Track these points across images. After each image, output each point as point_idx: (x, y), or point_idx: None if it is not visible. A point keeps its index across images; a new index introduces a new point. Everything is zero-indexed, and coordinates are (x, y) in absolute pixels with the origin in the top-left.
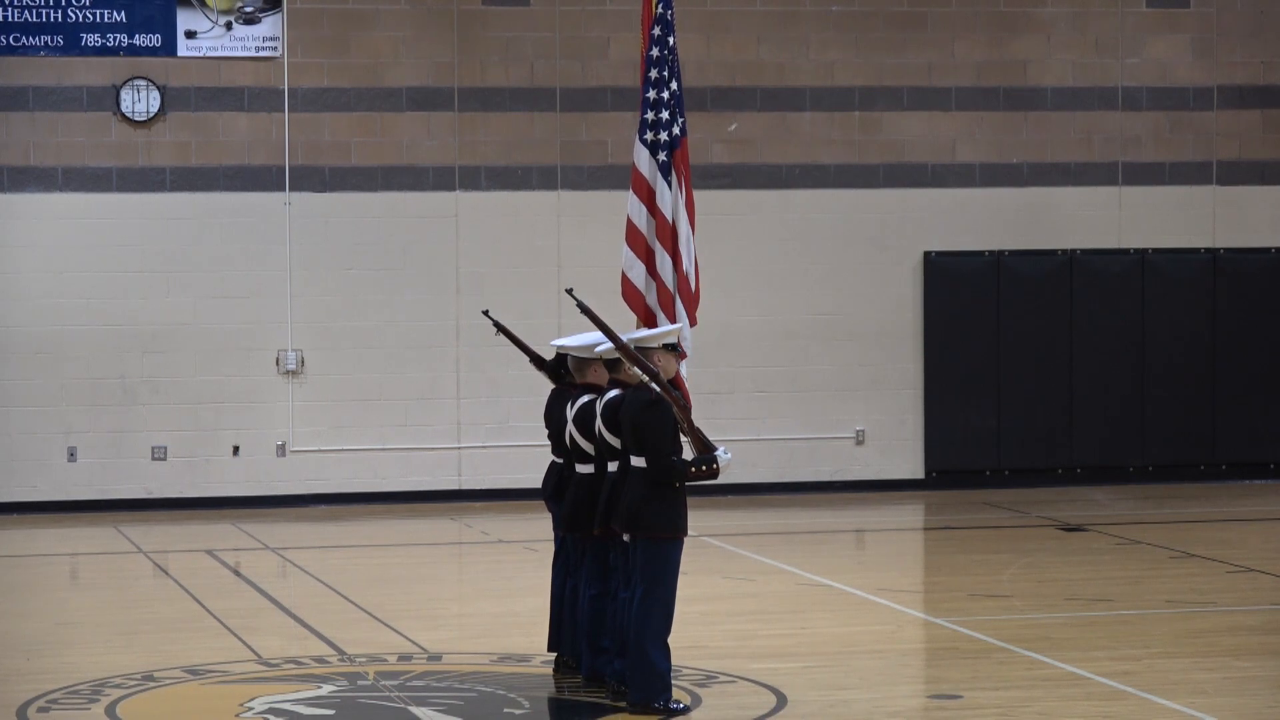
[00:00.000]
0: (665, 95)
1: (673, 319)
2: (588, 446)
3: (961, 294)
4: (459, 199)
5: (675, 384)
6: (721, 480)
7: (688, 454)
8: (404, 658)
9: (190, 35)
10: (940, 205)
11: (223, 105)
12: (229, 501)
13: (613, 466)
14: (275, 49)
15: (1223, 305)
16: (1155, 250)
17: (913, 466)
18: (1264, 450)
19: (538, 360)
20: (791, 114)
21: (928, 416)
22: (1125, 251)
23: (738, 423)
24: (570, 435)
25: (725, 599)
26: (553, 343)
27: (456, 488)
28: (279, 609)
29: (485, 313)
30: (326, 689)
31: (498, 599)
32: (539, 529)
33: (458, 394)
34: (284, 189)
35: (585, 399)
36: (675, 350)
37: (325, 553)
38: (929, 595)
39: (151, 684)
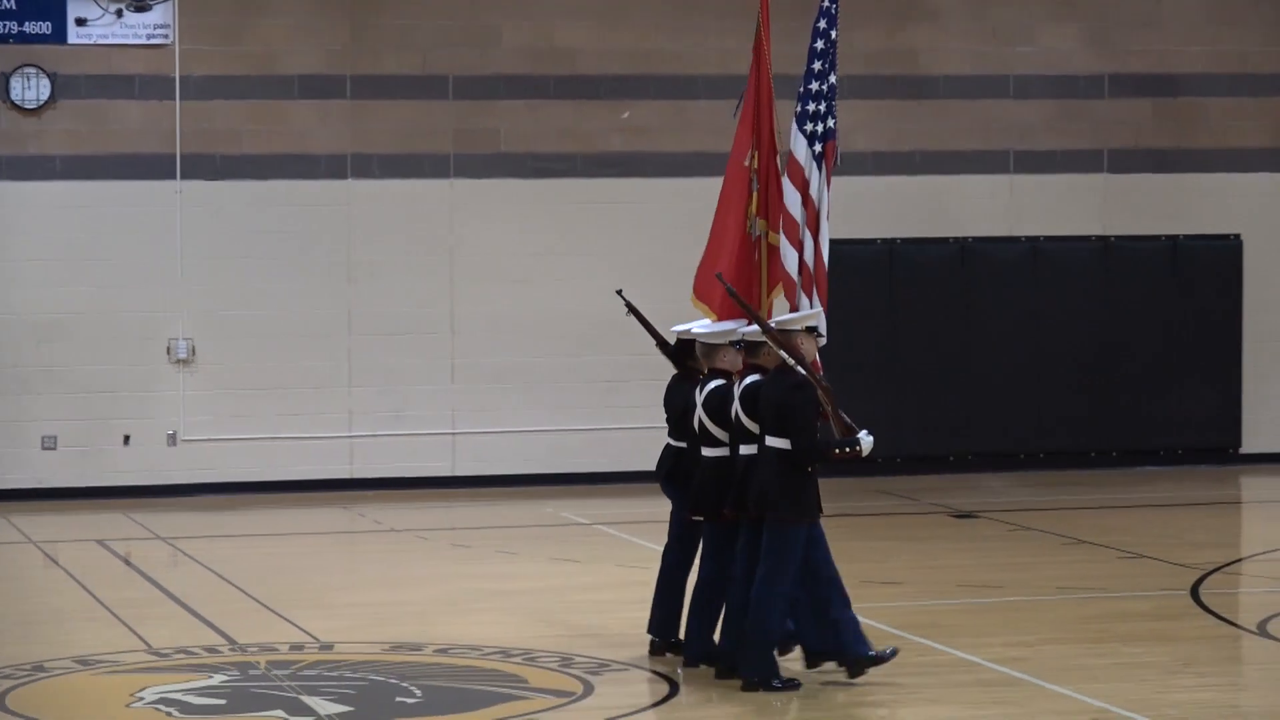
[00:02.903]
0: (825, 87)
1: (812, 303)
2: (718, 432)
3: (855, 282)
4: (352, 187)
5: (815, 367)
6: (613, 468)
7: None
8: (296, 647)
9: (81, 23)
10: (834, 194)
11: (114, 93)
12: (120, 491)
13: (746, 450)
14: (167, 36)
15: (1114, 293)
16: (1047, 238)
17: None
18: (1154, 437)
19: (663, 344)
20: (688, 102)
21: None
22: (1017, 239)
23: (632, 411)
24: (700, 420)
25: (619, 587)
26: (674, 328)
27: (348, 476)
28: (170, 599)
29: (618, 292)
30: (218, 679)
31: (390, 588)
32: (431, 518)
33: (349, 382)
34: (175, 177)
35: (715, 384)
36: (815, 333)
37: (217, 542)
38: None
39: (42, 674)
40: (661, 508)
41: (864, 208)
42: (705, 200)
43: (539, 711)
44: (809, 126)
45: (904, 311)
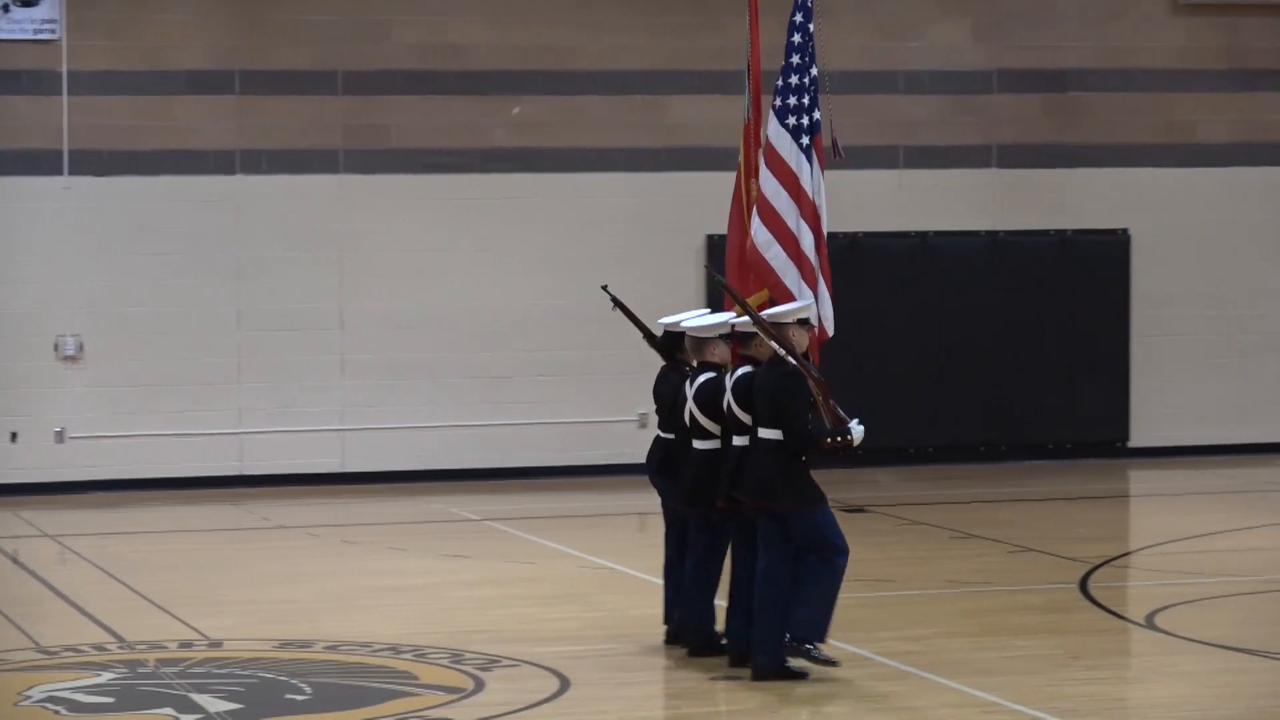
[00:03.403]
0: (806, 80)
1: (816, 295)
2: (710, 424)
3: None
4: (241, 183)
5: (809, 358)
6: (503, 464)
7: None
8: (185, 645)
9: None
10: (724, 189)
11: (1, 88)
12: (7, 489)
13: (739, 442)
14: (54, 31)
15: (1003, 287)
16: (937, 233)
17: None
18: (1044, 431)
19: (650, 337)
20: (580, 97)
21: None
22: (907, 234)
23: (521, 406)
24: (691, 412)
25: (508, 583)
26: (661, 321)
27: (238, 473)
28: (58, 597)
29: (604, 288)
30: (106, 676)
31: (279, 585)
32: (321, 514)
33: (239, 379)
34: (63, 173)
35: (706, 376)
36: (807, 325)
37: (105, 540)
38: None
39: None
40: (552, 504)
41: None
42: (596, 195)
43: (429, 708)
44: (791, 120)
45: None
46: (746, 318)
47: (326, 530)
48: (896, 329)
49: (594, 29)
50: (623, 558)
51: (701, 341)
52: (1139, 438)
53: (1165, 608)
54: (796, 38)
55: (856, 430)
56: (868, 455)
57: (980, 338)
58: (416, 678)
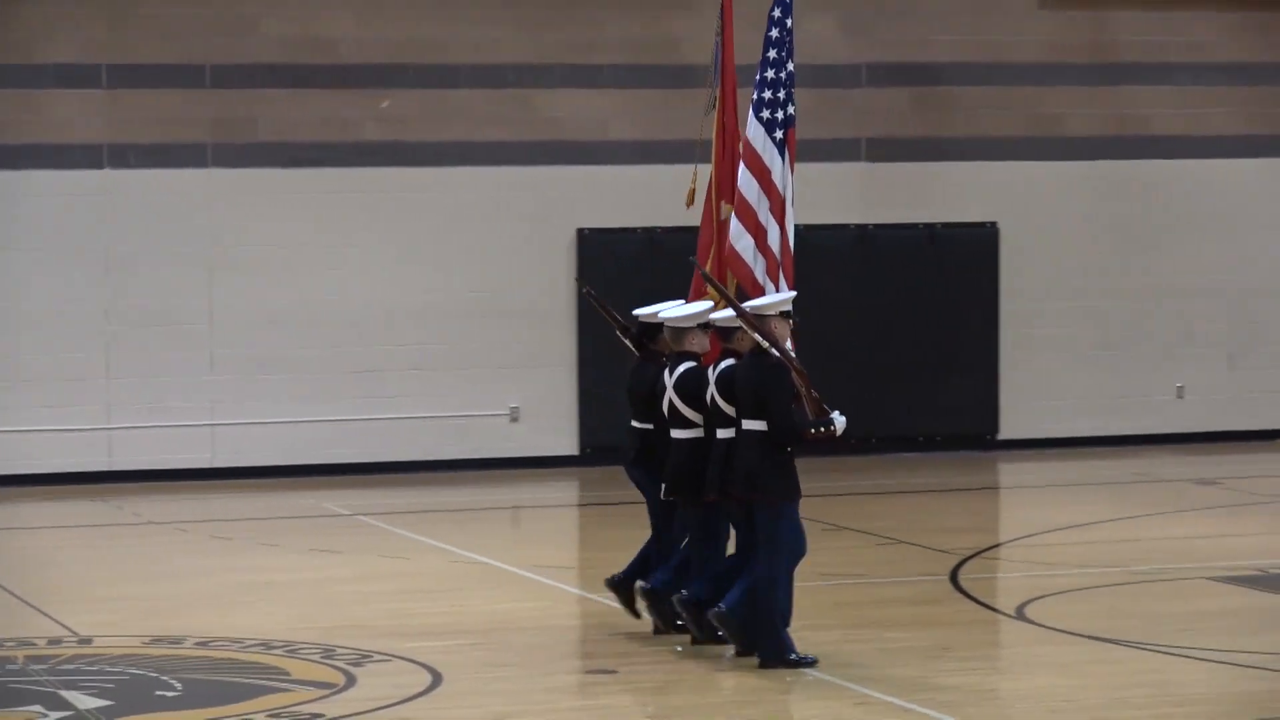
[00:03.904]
0: (783, 75)
1: (779, 288)
2: (691, 414)
3: (615, 271)
4: (108, 177)
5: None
6: (374, 459)
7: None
8: (53, 641)
9: None
10: (594, 182)
11: None
12: None
13: (724, 434)
14: None
15: (873, 281)
16: (807, 226)
17: (568, 443)
18: (912, 423)
19: (623, 329)
20: (449, 91)
21: (582, 393)
22: None
23: (392, 400)
24: (671, 402)
25: (380, 578)
26: (636, 312)
27: (107, 469)
28: None
29: (577, 280)
30: None
31: (149, 581)
32: (191, 509)
33: (107, 374)
34: None
35: (686, 366)
36: (789, 317)
37: None
38: (584, 572)
39: None
40: (423, 498)
41: (623, 196)
42: (465, 189)
43: (300, 703)
44: (766, 114)
45: (663, 299)
46: (725, 311)
47: (197, 526)
48: None
49: (463, 22)
50: (495, 552)
51: (680, 332)
52: (1008, 430)
53: (1035, 599)
54: (775, 33)
55: (839, 421)
56: None
57: (850, 331)
58: (288, 673)
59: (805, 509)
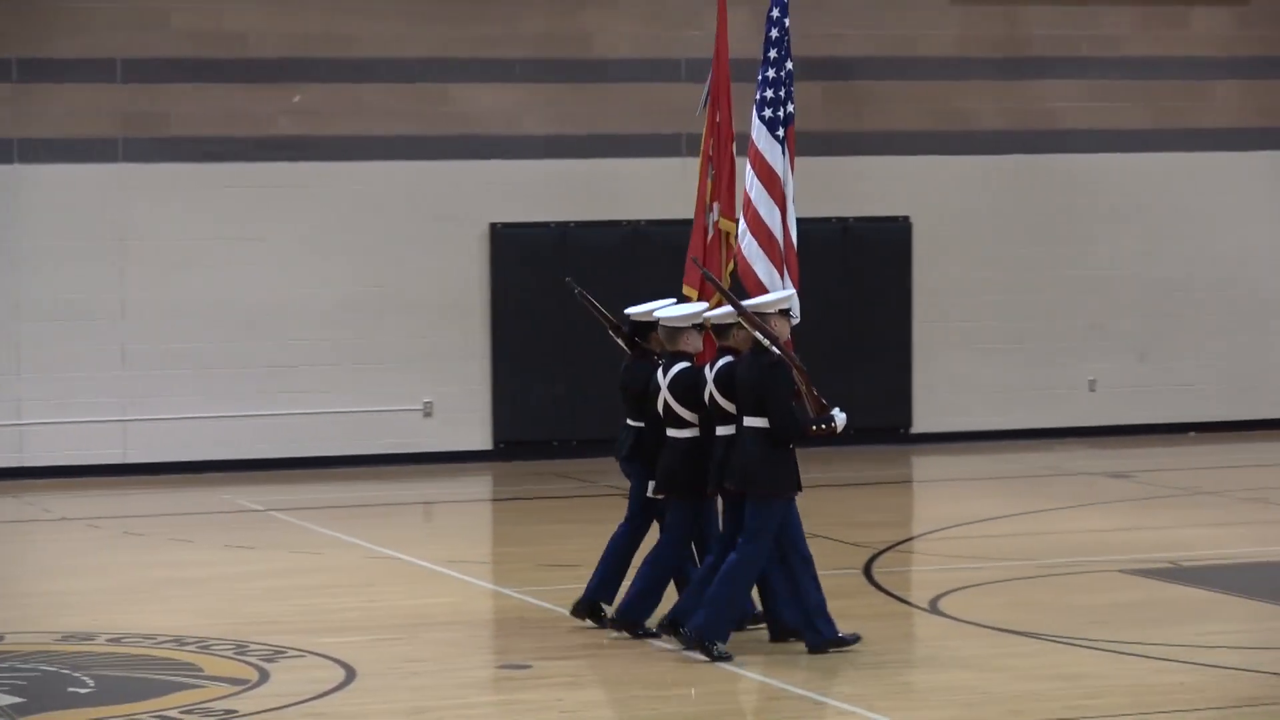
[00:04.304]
0: (782, 74)
1: (784, 284)
2: (686, 413)
3: (528, 266)
4: (18, 172)
5: (788, 347)
6: (288, 454)
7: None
8: None
9: None
10: (506, 177)
11: None
12: None
13: (723, 431)
14: None
15: None
16: None
17: (481, 438)
18: None
19: (615, 328)
20: (359, 85)
21: (495, 388)
22: (688, 222)
23: (305, 395)
24: (666, 402)
25: (293, 573)
26: (628, 311)
27: (18, 465)
28: None
29: (567, 280)
30: None
31: (61, 577)
32: (104, 506)
33: (18, 370)
34: None
35: (681, 366)
36: (788, 315)
37: None
38: (498, 566)
39: None
40: (337, 493)
41: (536, 191)
42: (377, 184)
43: (213, 700)
44: (768, 112)
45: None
46: (721, 309)
47: (109, 522)
48: None
49: (374, 16)
50: (408, 547)
51: (675, 331)
52: (921, 424)
53: (948, 592)
54: (774, 32)
55: (839, 417)
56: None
57: None
58: (201, 669)
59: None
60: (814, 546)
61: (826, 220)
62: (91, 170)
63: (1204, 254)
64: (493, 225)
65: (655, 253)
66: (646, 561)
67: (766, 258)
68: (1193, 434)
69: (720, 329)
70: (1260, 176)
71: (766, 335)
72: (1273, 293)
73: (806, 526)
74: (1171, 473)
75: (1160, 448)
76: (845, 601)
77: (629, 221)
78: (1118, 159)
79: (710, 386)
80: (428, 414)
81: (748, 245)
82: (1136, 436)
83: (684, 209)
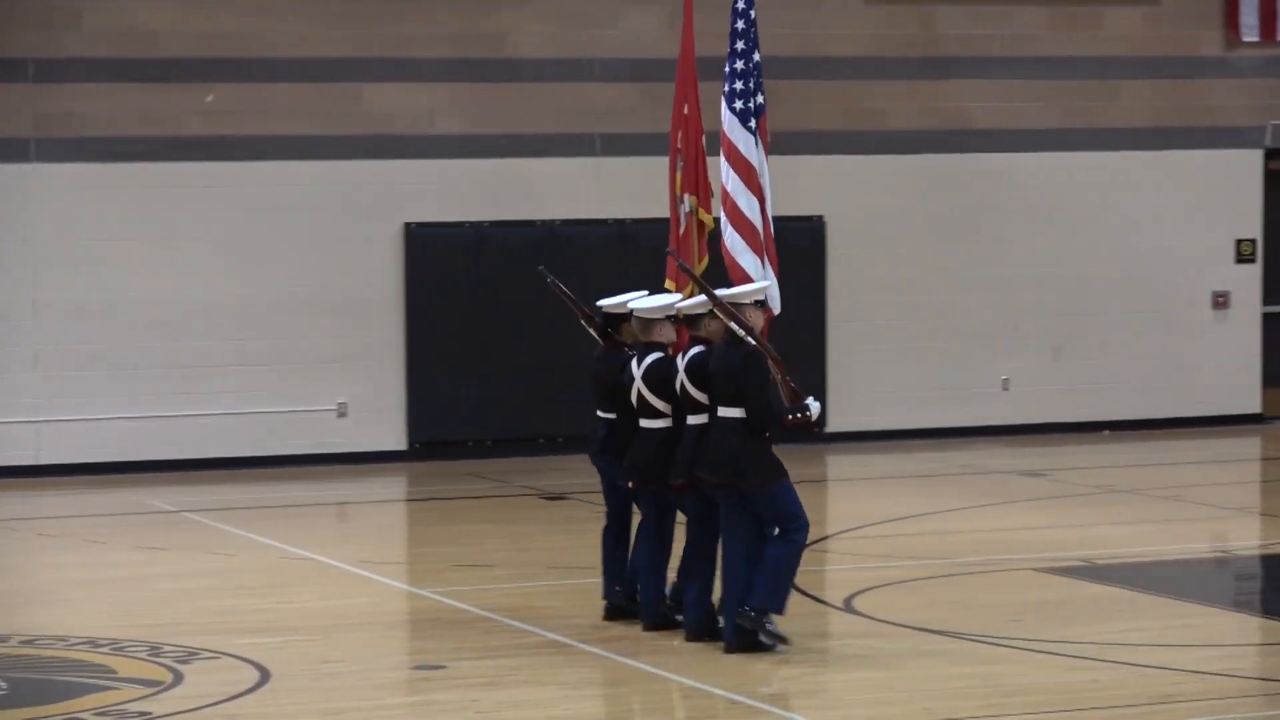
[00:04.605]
0: (750, 65)
1: (768, 274)
2: (660, 404)
3: (443, 265)
4: None
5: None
6: (201, 454)
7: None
8: None
9: None
10: (420, 177)
11: None
12: None
13: (695, 420)
14: None
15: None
16: (634, 220)
17: (395, 438)
18: None
19: (588, 319)
20: (271, 85)
21: (410, 388)
22: (605, 222)
23: (218, 396)
24: (640, 392)
25: (207, 575)
26: (601, 302)
27: None
28: None
29: (540, 269)
30: None
31: None
32: (16, 507)
33: None
34: None
35: (655, 357)
36: (763, 306)
37: None
38: (413, 566)
39: None
40: (250, 494)
41: (450, 190)
42: (291, 184)
43: (127, 701)
44: (739, 105)
45: (492, 294)
46: (693, 299)
47: (21, 523)
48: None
49: (287, 15)
50: (323, 548)
51: (649, 322)
52: (836, 423)
53: (863, 591)
54: (740, 24)
55: (814, 407)
56: (567, 443)
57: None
58: (115, 671)
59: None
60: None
61: None
62: (2, 170)
63: (1117, 253)
64: (407, 225)
65: (570, 252)
66: (638, 560)
67: (750, 249)
68: (1107, 432)
69: (692, 319)
70: (1171, 176)
71: (742, 325)
72: (1185, 291)
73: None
74: (1085, 471)
75: (1074, 446)
76: None
77: (544, 221)
78: (1030, 158)
79: (681, 376)
80: (342, 414)
81: (730, 238)
82: (1051, 435)
83: (598, 209)
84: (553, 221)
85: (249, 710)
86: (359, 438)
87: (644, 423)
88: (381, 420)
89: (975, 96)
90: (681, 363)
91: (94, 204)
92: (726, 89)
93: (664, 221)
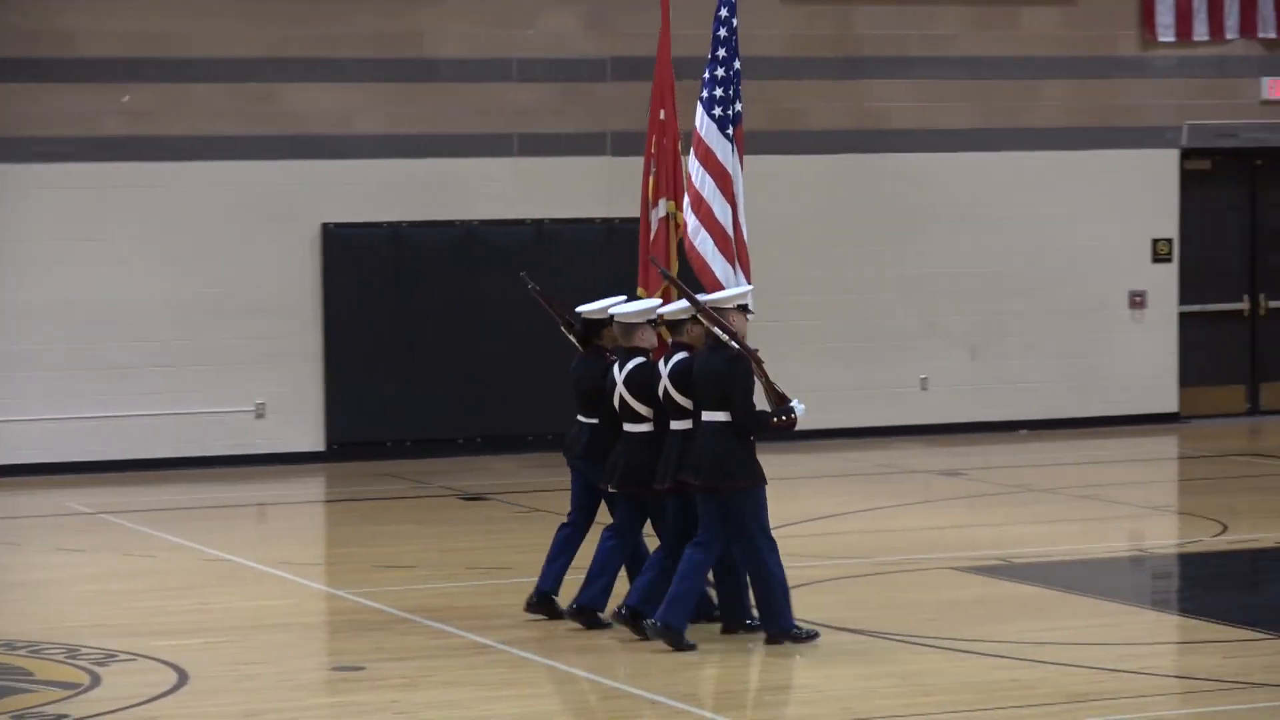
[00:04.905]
0: (730, 72)
1: (739, 280)
2: (641, 408)
3: (361, 266)
4: None
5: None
6: (119, 456)
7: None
8: None
9: None
10: (338, 177)
11: None
12: None
13: (678, 425)
14: None
15: (619, 274)
16: (553, 220)
17: (314, 439)
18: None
19: (568, 324)
20: (189, 85)
21: (329, 389)
22: (523, 222)
23: (136, 397)
24: (622, 397)
25: (125, 577)
26: (580, 308)
27: None
28: None
29: (522, 275)
30: None
31: None
32: None
33: None
34: None
35: (636, 362)
36: (746, 310)
37: None
38: (331, 568)
39: None
40: (169, 496)
41: (369, 191)
42: (208, 184)
43: (45, 704)
44: (717, 111)
45: (411, 294)
46: (673, 305)
47: None
48: (513, 316)
49: (204, 15)
50: (241, 550)
51: (630, 327)
52: None
53: None
54: (722, 31)
55: (799, 409)
56: (487, 443)
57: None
58: (31, 674)
59: (554, 504)
60: (651, 546)
61: None
62: None
63: (1035, 253)
64: (325, 225)
65: (488, 253)
66: (600, 554)
67: (722, 255)
68: (1024, 431)
69: (674, 324)
70: (1088, 175)
71: (725, 330)
72: (1101, 290)
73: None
74: (1003, 470)
75: (992, 445)
76: None
77: (462, 222)
78: (949, 158)
79: (665, 381)
80: (260, 415)
81: (702, 243)
82: (969, 434)
83: (517, 209)
84: (471, 222)
85: (167, 712)
86: (277, 438)
87: (627, 427)
88: (300, 421)
89: (893, 96)
90: (665, 368)
91: (11, 205)
92: (705, 95)
93: (581, 222)
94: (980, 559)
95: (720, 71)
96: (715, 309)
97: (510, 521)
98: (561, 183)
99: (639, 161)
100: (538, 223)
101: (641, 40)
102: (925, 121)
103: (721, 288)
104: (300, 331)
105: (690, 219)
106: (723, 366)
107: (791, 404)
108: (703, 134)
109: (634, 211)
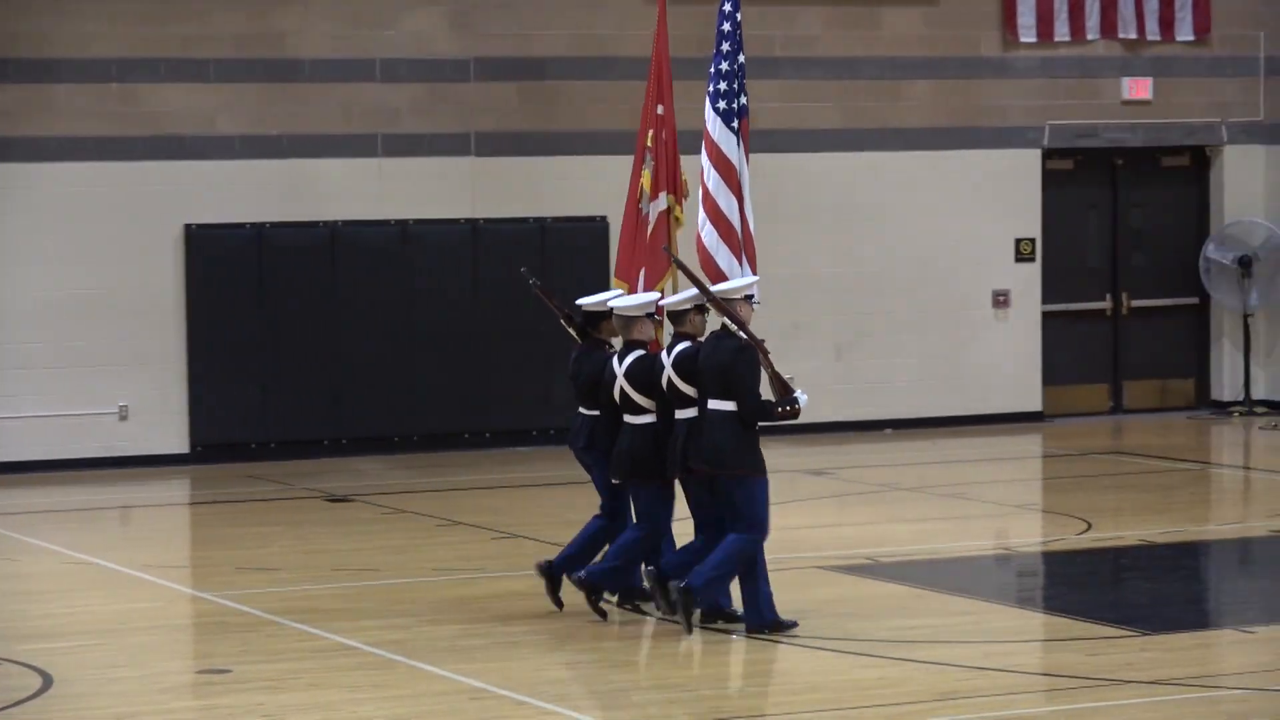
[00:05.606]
0: (735, 67)
1: (744, 272)
2: (642, 400)
3: (224, 267)
4: None
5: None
6: (47, 457)
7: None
8: None
9: None
10: (201, 178)
11: None
12: None
13: (683, 414)
14: None
15: (483, 274)
16: (417, 221)
17: (178, 441)
18: (527, 417)
19: (568, 318)
20: (50, 85)
21: (192, 391)
22: (387, 222)
23: (55, 399)
24: (623, 389)
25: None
26: (579, 301)
27: None
28: None
29: (522, 270)
30: None
31: None
32: None
33: None
34: None
35: (637, 354)
36: (752, 301)
37: None
38: (197, 570)
39: None
40: (32, 499)
41: (231, 191)
42: (69, 185)
43: None
44: (722, 105)
45: (275, 296)
46: (675, 296)
47: None
48: (378, 317)
49: (65, 15)
50: (106, 553)
51: (629, 320)
52: None
53: None
54: (726, 26)
55: (802, 399)
56: (352, 444)
57: (462, 325)
58: None
59: (421, 505)
60: (517, 546)
61: (524, 220)
62: None
63: (899, 252)
64: (188, 226)
65: (352, 253)
66: (621, 542)
67: (727, 247)
68: (889, 431)
69: (676, 315)
70: (950, 176)
71: (734, 320)
72: (964, 290)
73: (510, 525)
74: (868, 469)
75: (857, 445)
76: (547, 601)
77: (325, 222)
78: (812, 158)
79: (669, 371)
80: (124, 417)
81: (708, 235)
82: (834, 434)
83: (381, 209)
84: (335, 222)
85: (32, 717)
86: (141, 440)
87: (628, 419)
88: (163, 423)
89: (757, 97)
90: (668, 358)
91: None
92: (710, 89)
93: (444, 222)
94: (847, 558)
95: (725, 65)
96: (724, 299)
97: (376, 523)
98: (425, 183)
99: (504, 162)
100: (402, 223)
101: (504, 41)
102: (789, 122)
103: (725, 278)
104: (163, 333)
105: (700, 212)
106: (730, 356)
107: (796, 394)
108: (709, 127)
109: (497, 212)
